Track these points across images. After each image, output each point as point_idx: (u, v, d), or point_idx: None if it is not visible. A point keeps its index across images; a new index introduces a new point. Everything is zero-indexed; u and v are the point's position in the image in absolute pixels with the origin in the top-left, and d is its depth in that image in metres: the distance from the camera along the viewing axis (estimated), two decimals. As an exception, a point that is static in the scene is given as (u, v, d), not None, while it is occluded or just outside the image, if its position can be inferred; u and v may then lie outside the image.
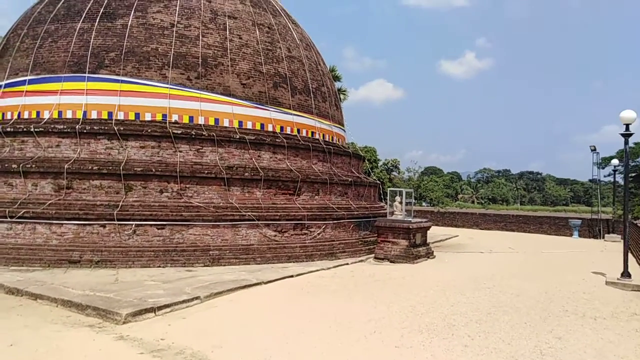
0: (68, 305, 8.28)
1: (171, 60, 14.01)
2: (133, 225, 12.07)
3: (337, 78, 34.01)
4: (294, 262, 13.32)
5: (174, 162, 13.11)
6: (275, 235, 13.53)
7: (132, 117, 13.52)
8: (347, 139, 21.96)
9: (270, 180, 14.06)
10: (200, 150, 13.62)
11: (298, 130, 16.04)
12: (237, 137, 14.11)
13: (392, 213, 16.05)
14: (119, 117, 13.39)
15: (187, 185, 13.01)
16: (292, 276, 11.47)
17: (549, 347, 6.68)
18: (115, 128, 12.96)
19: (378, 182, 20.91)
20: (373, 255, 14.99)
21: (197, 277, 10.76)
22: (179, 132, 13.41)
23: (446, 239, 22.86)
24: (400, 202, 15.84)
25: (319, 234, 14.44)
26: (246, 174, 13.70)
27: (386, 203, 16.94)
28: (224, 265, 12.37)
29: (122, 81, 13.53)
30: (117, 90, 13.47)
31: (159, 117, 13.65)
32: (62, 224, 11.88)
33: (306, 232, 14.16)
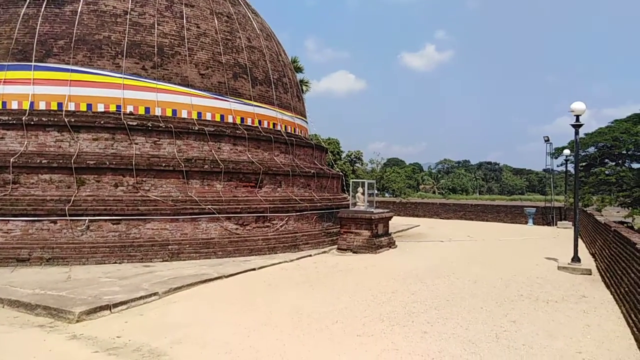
0: (16, 305, 7.86)
1: (125, 49, 13.47)
2: (86, 221, 11.59)
3: (299, 69, 33.83)
4: (256, 255, 13.18)
5: (130, 155, 12.66)
6: (236, 229, 13.33)
7: (84, 108, 12.93)
8: (310, 130, 21.91)
9: (231, 173, 13.81)
10: (158, 142, 13.21)
11: (259, 122, 15.83)
12: (196, 128, 13.77)
13: (354, 204, 16.14)
14: (69, 108, 12.78)
15: (144, 179, 12.60)
16: (254, 269, 11.34)
17: (504, 331, 6.89)
18: (66, 119, 12.38)
19: (341, 173, 20.99)
20: (336, 246, 15.05)
21: (155, 272, 10.47)
22: (135, 123, 12.95)
23: (408, 229, 23.26)
24: (363, 193, 15.95)
25: (281, 226, 14.34)
26: (206, 166, 13.40)
27: (349, 194, 17.02)
28: (184, 260, 12.09)
29: (73, 70, 12.90)
30: (67, 80, 12.83)
31: (112, 108, 13.12)
32: (8, 220, 11.24)
33: (268, 224, 14.03)
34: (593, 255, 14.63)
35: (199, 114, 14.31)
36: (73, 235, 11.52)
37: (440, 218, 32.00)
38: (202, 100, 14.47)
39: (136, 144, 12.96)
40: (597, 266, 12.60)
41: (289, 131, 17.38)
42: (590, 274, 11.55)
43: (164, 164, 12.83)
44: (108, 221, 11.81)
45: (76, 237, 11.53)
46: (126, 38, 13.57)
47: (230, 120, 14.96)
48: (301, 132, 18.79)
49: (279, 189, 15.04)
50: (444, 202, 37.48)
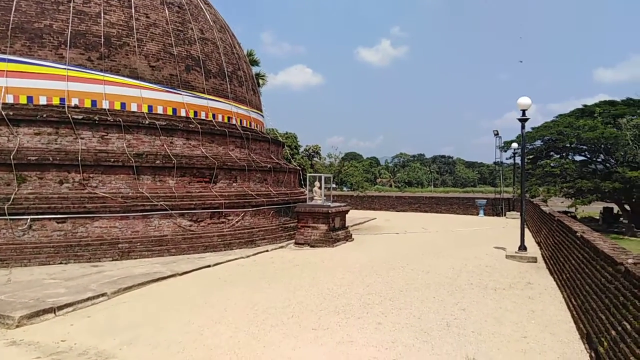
0: (-52, 312, 7.32)
1: (69, 39, 12.80)
2: (28, 220, 10.98)
3: (255, 62, 33.40)
4: (211, 251, 12.94)
5: (75, 150, 12.08)
6: (190, 225, 13.03)
7: (23, 100, 12.19)
8: (267, 124, 21.69)
9: (184, 168, 13.46)
10: (105, 137, 12.67)
11: (213, 116, 15.50)
12: (147, 122, 13.31)
13: (311, 198, 16.15)
14: (7, 101, 12.01)
15: (91, 175, 12.06)
16: (209, 266, 11.14)
17: (455, 319, 7.10)
18: (4, 113, 11.63)
19: (298, 168, 20.92)
20: (293, 240, 15.02)
21: (104, 272, 10.07)
22: (80, 117, 12.35)
23: (365, 222, 23.55)
24: (320, 187, 15.97)
25: (237, 221, 14.14)
26: (157, 161, 13.00)
27: (307, 189, 17.00)
28: (135, 259, 11.70)
29: (10, 60, 12.12)
30: (4, 71, 12.04)
31: (56, 101, 12.46)
32: (-60, 221, 10.49)
33: (224, 220, 13.80)
34: (539, 243, 15.34)
35: (150, 107, 13.84)
36: (13, 236, 10.88)
37: (396, 211, 32.62)
38: (153, 93, 13.99)
39: (82, 138, 12.37)
40: (542, 254, 13.21)
41: (245, 125, 17.14)
42: (536, 262, 12.09)
43: (112, 160, 12.32)
44: (52, 220, 11.23)
45: (17, 237, 10.90)
46: (70, 27, 12.88)
47: (183, 113, 14.56)
48: (257, 126, 18.57)
49: (234, 184, 14.81)
50: (400, 195, 38.21)
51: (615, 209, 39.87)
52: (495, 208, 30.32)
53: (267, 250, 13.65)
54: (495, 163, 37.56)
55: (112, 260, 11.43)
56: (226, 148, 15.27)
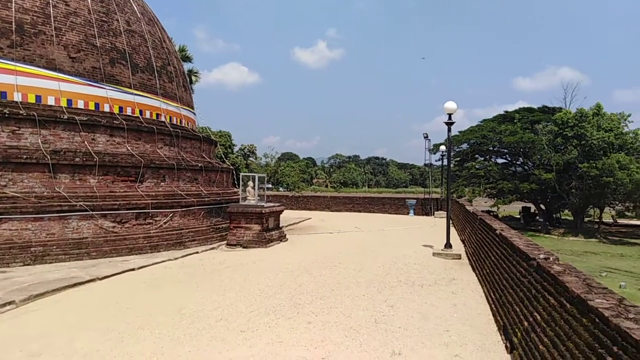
0: None
1: (-26, 23, 11.64)
2: None
3: (187, 58, 32.37)
4: (137, 254, 12.32)
5: (-19, 146, 11.00)
6: (114, 227, 12.30)
7: None
8: (199, 122, 21.04)
9: (107, 166, 12.70)
10: (17, 131, 11.65)
11: (141, 112, 14.77)
12: (66, 117, 12.40)
13: (245, 198, 15.86)
14: None
15: (0, 173, 11.03)
16: (133, 269, 10.58)
17: (383, 316, 7.24)
18: None
19: (232, 167, 20.48)
20: (225, 242, 14.67)
21: (12, 278, 9.23)
22: (-13, 109, 11.27)
23: (299, 222, 23.57)
24: (253, 187, 15.74)
25: (165, 222, 13.57)
26: (77, 159, 12.15)
27: (240, 188, 16.67)
28: (51, 263, 10.86)
29: None
30: None
31: (-42, 91, 11.27)
32: None
33: (151, 221, 13.18)
34: (463, 241, 16.12)
35: (69, 101, 12.92)
36: None
37: (331, 211, 32.98)
38: (73, 86, 13.08)
39: (-11, 133, 11.29)
40: (466, 251, 13.88)
41: (175, 122, 16.50)
42: (460, 259, 12.69)
43: (25, 156, 11.35)
44: (-48, 222, 10.15)
45: None
46: (-25, 10, 11.72)
47: (106, 109, 13.72)
48: (188, 124, 17.96)
49: (162, 183, 14.20)
50: (335, 195, 38.69)
51: (533, 208, 43.03)
52: (424, 208, 31.55)
53: (197, 252, 13.21)
54: (425, 165, 39.12)
55: (24, 265, 10.52)
56: (154, 146, 14.60)
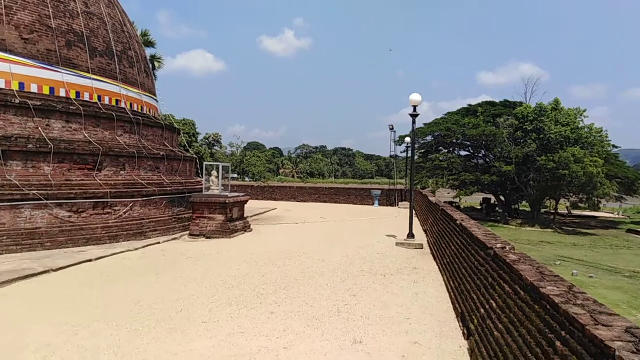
0: None
1: None
2: None
3: (150, 43, 31.38)
4: (94, 244, 11.92)
5: None
6: (69, 216, 11.85)
7: None
8: (162, 110, 20.47)
9: (62, 154, 12.18)
10: (-37, 115, 10.99)
11: (99, 97, 14.21)
12: (17, 101, 11.79)
13: (208, 188, 15.60)
14: None
15: (-56, 159, 10.41)
16: (90, 260, 10.23)
17: (345, 305, 7.29)
18: None
19: (195, 156, 20.07)
20: (188, 232, 14.40)
21: (-42, 271, 8.76)
22: None
23: (265, 212, 23.42)
24: (217, 177, 15.49)
25: (125, 212, 13.17)
26: (30, 145, 11.59)
27: (204, 178, 16.37)
28: (1, 254, 10.35)
29: None
30: None
31: None
32: None
33: (109, 210, 12.76)
34: (425, 231, 16.44)
35: (21, 84, 12.28)
36: None
37: (297, 201, 32.94)
38: (26, 68, 12.43)
39: None
40: (428, 241, 14.16)
41: (136, 109, 15.98)
42: (422, 248, 12.93)
43: (-28, 142, 10.74)
44: None
45: None
46: None
47: (62, 93, 13.13)
48: (150, 111, 17.44)
49: (122, 171, 13.75)
50: (301, 185, 38.65)
51: (493, 199, 44.38)
52: (389, 198, 31.97)
53: (158, 242, 12.92)
54: (391, 156, 39.55)
55: (-29, 257, 10.00)
56: (113, 133, 14.11)
